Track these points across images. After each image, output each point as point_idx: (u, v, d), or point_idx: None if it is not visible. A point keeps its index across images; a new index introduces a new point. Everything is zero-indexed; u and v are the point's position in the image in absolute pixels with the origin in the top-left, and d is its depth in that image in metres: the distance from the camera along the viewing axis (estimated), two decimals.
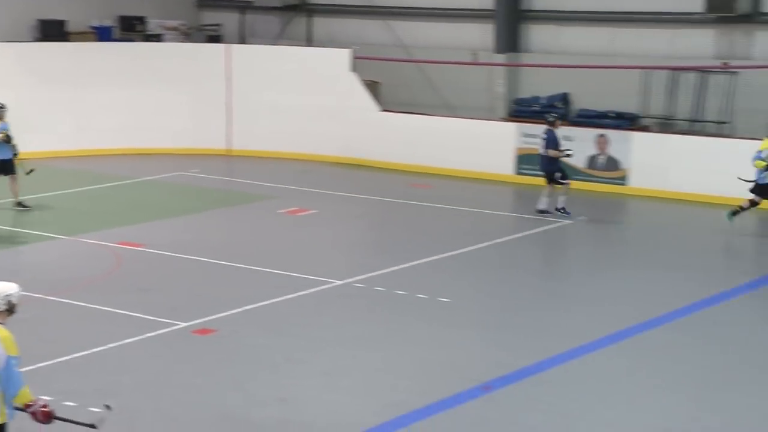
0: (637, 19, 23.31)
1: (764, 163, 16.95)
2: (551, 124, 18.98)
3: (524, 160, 22.01)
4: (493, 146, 22.34)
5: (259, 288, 14.09)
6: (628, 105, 22.94)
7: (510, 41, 24.67)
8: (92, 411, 8.52)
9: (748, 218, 18.84)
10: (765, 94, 20.81)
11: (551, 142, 18.84)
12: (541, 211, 18.84)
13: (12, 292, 7.53)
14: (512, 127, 22.51)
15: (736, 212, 17.59)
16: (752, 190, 17.40)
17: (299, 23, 27.83)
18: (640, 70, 22.56)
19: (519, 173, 22.07)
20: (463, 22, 25.69)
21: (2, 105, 18.15)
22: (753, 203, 17.44)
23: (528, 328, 12.80)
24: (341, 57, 23.73)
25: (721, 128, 21.86)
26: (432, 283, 14.58)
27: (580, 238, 17.86)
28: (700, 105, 22.24)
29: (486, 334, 12.72)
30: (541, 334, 12.55)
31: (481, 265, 15.79)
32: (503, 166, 22.18)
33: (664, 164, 20.47)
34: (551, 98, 24.03)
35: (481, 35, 25.14)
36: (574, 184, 20.87)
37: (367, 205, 20.07)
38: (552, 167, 18.86)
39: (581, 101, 23.73)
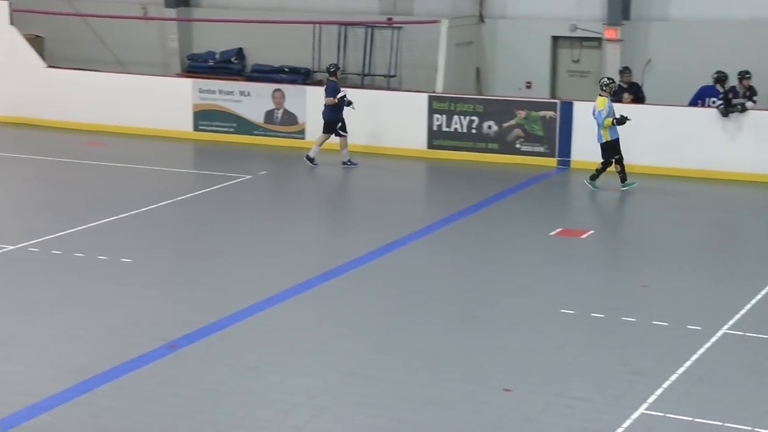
0: None
1: (611, 120, 17.02)
2: (332, 74, 19.19)
3: (202, 117, 21.76)
4: (169, 103, 21.91)
5: None
6: (301, 60, 23.22)
7: None
8: None
9: (419, 167, 19.69)
10: (426, 49, 21.76)
11: (329, 90, 19.05)
12: (310, 159, 19.16)
13: None
14: (188, 83, 22.15)
15: (594, 176, 17.53)
16: (604, 154, 17.40)
17: None
18: (311, 25, 22.85)
19: (197, 129, 21.80)
20: None
21: None
22: (606, 164, 17.43)
23: (213, 284, 12.70)
24: None
25: (389, 81, 22.63)
26: (113, 243, 14.13)
27: (262, 192, 17.93)
28: (368, 59, 22.88)
29: (171, 293, 12.49)
30: (227, 290, 12.49)
31: (164, 223, 15.48)
32: (181, 122, 21.81)
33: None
34: (225, 53, 23.86)
35: None
36: (253, 140, 20.99)
37: (39, 166, 19.10)
38: (332, 116, 19.05)
39: (256, 56, 23.73)
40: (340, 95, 19.10)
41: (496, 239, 15.00)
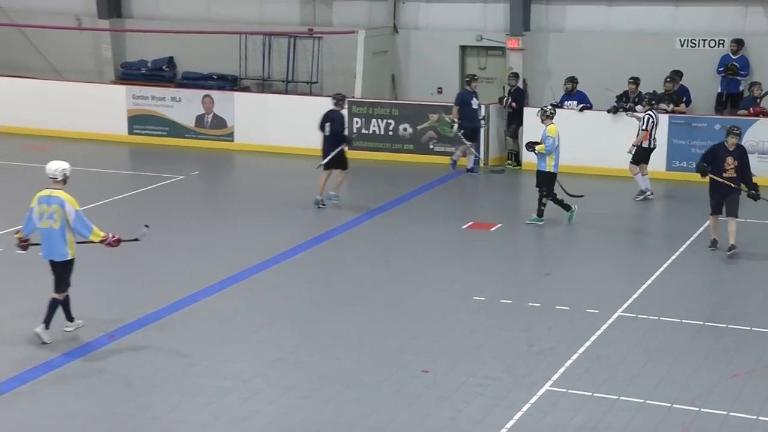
0: None
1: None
2: (468, 84, 18.95)
3: (136, 121, 21.52)
4: (104, 108, 21.62)
5: None
6: (228, 67, 23.06)
7: (112, 7, 23.81)
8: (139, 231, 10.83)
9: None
10: (345, 57, 21.82)
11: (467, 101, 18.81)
12: (470, 170, 18.88)
13: (66, 166, 10.31)
14: (122, 89, 21.88)
15: (569, 212, 15.41)
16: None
17: None
18: (237, 35, 22.71)
19: (132, 133, 21.55)
20: None
21: None
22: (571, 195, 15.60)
23: (149, 279, 12.59)
24: None
25: (311, 88, 22.60)
26: None
27: (194, 192, 17.79)
28: (292, 67, 22.83)
29: (109, 287, 12.34)
30: (162, 283, 12.39)
31: (101, 222, 15.12)
32: (116, 126, 21.55)
33: (264, 121, 20.87)
34: (157, 62, 23.57)
35: (84, 1, 24.05)
36: (185, 142, 20.80)
37: None
38: (468, 124, 18.71)
39: (186, 64, 23.49)
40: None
41: (412, 233, 15.10)
